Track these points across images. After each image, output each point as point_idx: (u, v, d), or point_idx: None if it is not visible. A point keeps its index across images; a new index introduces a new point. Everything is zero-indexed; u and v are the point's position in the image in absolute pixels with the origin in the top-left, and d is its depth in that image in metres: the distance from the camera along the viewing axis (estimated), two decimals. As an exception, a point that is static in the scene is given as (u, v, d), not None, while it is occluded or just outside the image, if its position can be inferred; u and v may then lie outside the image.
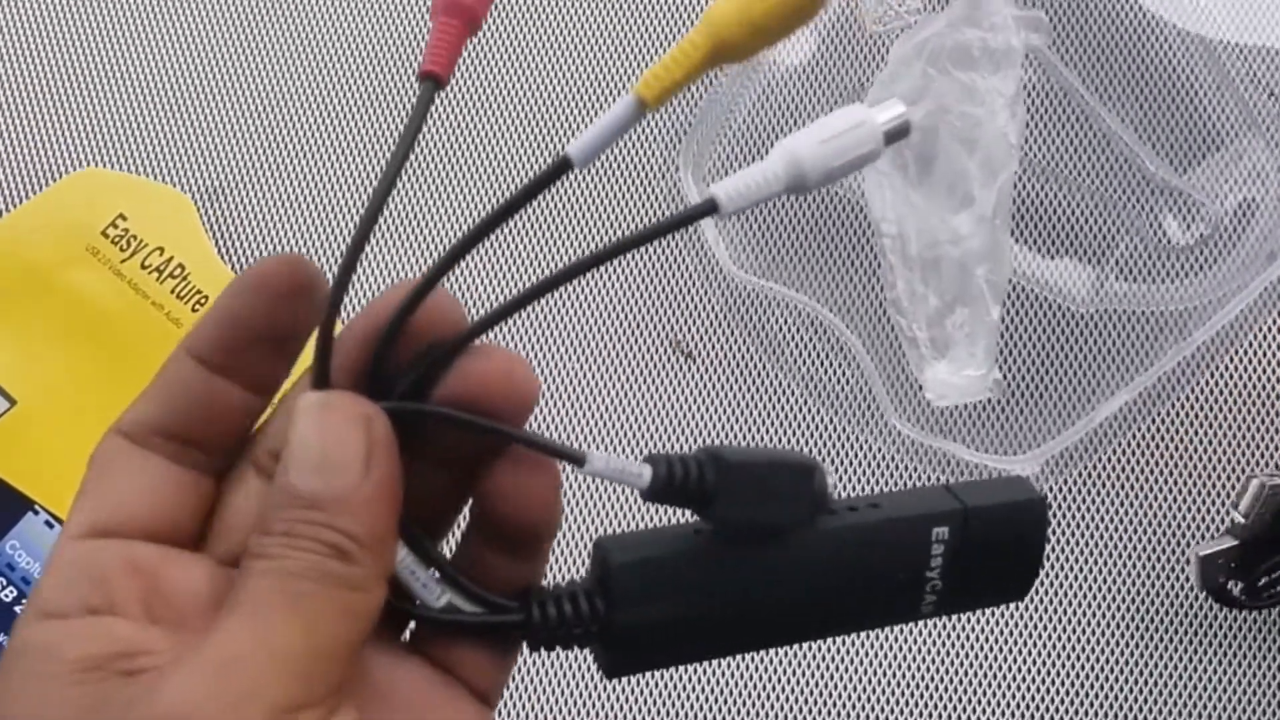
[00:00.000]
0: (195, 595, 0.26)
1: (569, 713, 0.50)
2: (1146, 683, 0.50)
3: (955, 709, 0.50)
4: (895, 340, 0.51)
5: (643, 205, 0.56)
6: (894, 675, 0.50)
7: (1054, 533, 0.51)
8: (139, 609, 0.25)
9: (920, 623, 0.50)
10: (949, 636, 0.50)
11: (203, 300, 0.52)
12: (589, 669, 0.50)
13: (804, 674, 0.50)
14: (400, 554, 0.26)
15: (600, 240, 0.55)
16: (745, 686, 0.50)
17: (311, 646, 0.24)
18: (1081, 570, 0.51)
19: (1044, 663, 0.50)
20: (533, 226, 0.55)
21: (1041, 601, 0.51)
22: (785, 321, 0.53)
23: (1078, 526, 0.51)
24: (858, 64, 0.56)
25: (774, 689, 0.50)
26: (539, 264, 0.54)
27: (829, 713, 0.50)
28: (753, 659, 0.50)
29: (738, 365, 0.53)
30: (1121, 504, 0.51)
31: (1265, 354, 0.53)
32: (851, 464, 0.52)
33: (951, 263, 0.50)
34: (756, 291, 0.53)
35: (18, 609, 0.48)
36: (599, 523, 0.51)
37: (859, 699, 0.50)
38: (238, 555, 0.25)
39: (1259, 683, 0.50)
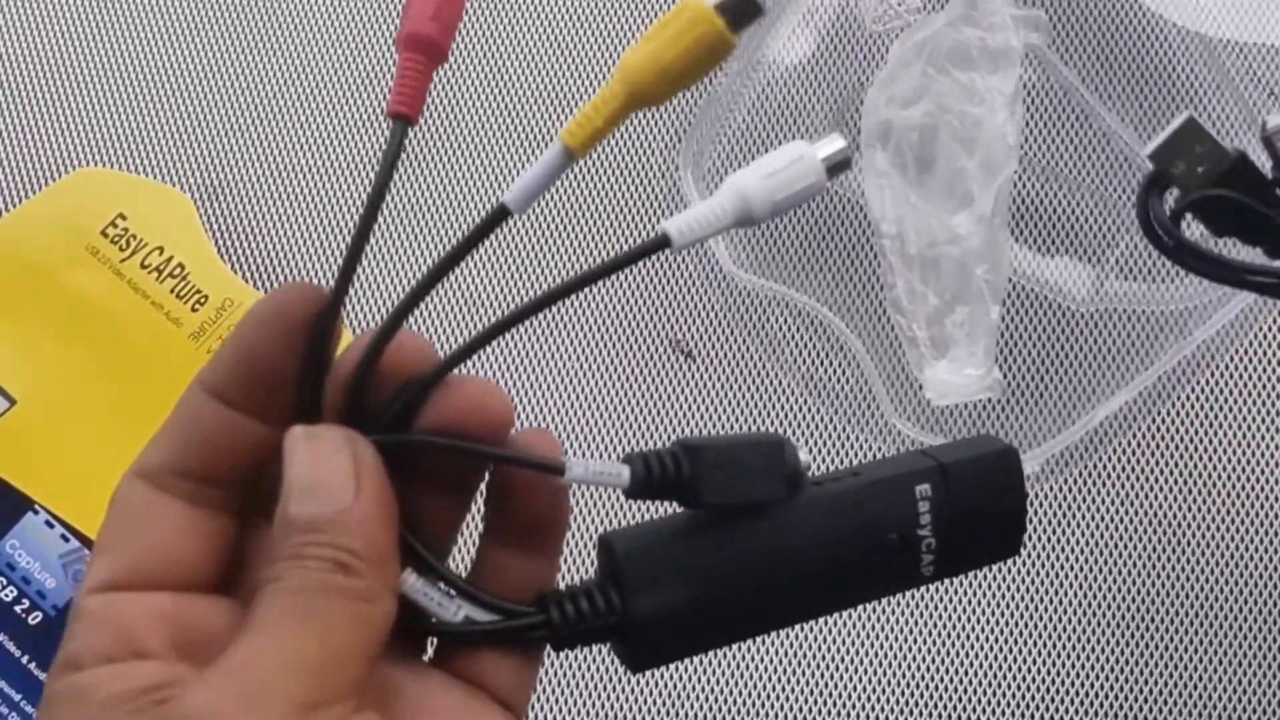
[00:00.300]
0: (223, 635, 0.26)
1: (571, 714, 0.50)
2: (1147, 682, 0.50)
3: (955, 708, 0.50)
4: (895, 340, 0.51)
5: (643, 205, 0.56)
6: (894, 675, 0.50)
7: (1054, 532, 0.51)
8: (168, 650, 0.26)
9: (920, 622, 0.50)
10: (949, 636, 0.50)
11: (202, 300, 0.52)
12: (591, 674, 0.50)
13: (804, 674, 0.50)
14: (410, 578, 0.27)
15: (599, 240, 0.55)
16: (745, 686, 0.50)
17: (325, 652, 0.24)
18: (1082, 570, 0.51)
19: (1044, 662, 0.50)
20: (532, 226, 0.55)
21: (1041, 601, 0.51)
22: (785, 321, 0.53)
23: (1078, 526, 0.51)
24: (857, 63, 0.56)
25: (774, 689, 0.50)
26: (539, 264, 0.54)
27: (829, 713, 0.50)
28: (753, 658, 0.50)
29: (738, 365, 0.53)
30: (1121, 504, 0.51)
31: (1265, 354, 0.53)
32: (851, 463, 0.52)
33: (951, 262, 0.50)
34: (756, 291, 0.53)
35: (17, 609, 0.48)
36: (604, 526, 0.52)
37: (859, 699, 0.50)
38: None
39: (1260, 683, 0.50)
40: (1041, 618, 0.50)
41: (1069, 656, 0.50)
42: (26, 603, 0.49)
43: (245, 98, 0.57)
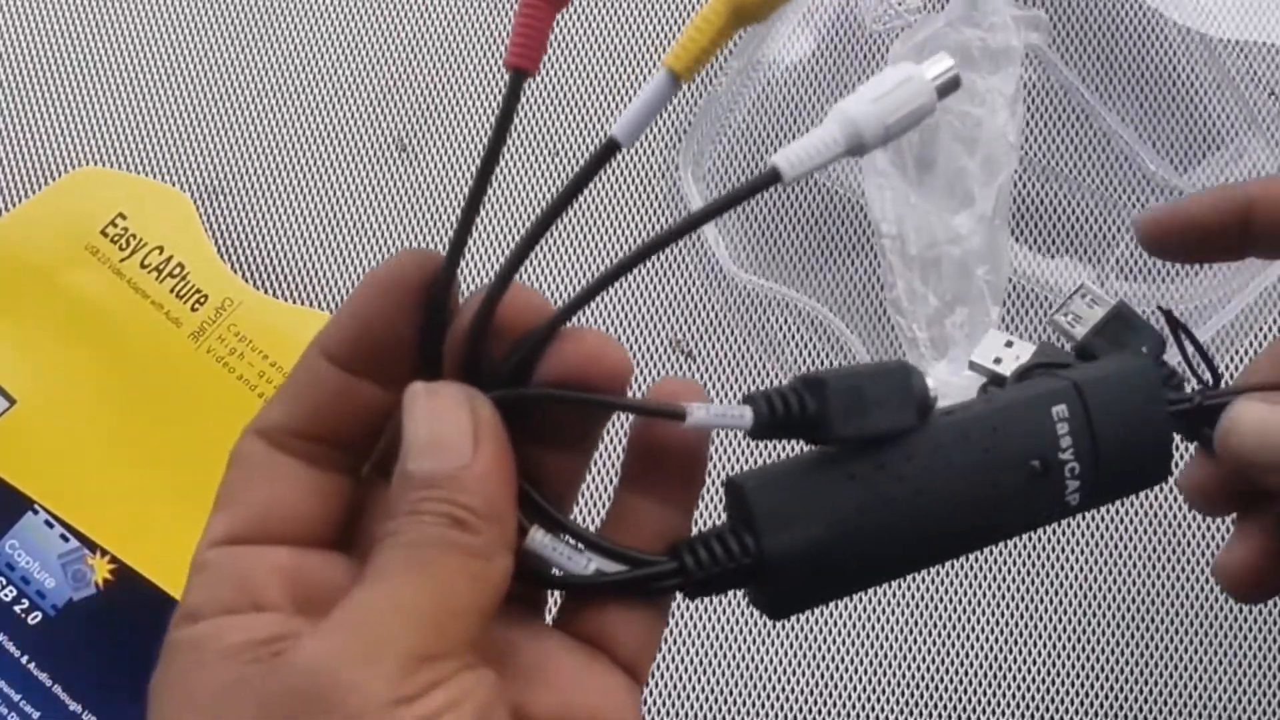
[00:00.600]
0: (340, 590, 0.26)
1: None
2: (1147, 682, 0.50)
3: (955, 709, 0.50)
4: (895, 340, 0.51)
5: (643, 205, 0.56)
6: (894, 675, 0.50)
7: (1055, 532, 0.51)
8: (287, 603, 0.26)
9: (920, 622, 0.50)
10: (949, 636, 0.50)
11: (202, 300, 0.52)
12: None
13: (804, 674, 0.50)
14: (537, 534, 0.27)
15: (599, 241, 0.55)
16: (746, 686, 0.50)
17: (440, 605, 0.24)
18: (1082, 570, 0.51)
19: (1045, 662, 0.50)
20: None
21: (1042, 601, 0.51)
22: (785, 321, 0.53)
23: (1078, 526, 0.51)
24: (857, 63, 0.56)
25: (774, 689, 0.50)
26: (539, 263, 0.54)
27: (829, 713, 0.50)
28: (753, 658, 0.50)
29: (738, 365, 0.53)
30: (1122, 504, 0.51)
31: (1265, 354, 0.53)
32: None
33: (951, 262, 0.50)
34: (756, 291, 0.53)
35: (17, 609, 0.48)
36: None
37: (859, 699, 0.50)
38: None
39: (1260, 683, 0.50)
40: (1041, 618, 0.50)
41: (1069, 656, 0.50)
42: (26, 603, 0.49)
43: (245, 97, 0.57)
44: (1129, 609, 0.50)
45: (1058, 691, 0.50)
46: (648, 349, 0.54)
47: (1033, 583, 0.51)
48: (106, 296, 0.52)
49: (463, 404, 0.26)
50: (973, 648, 0.50)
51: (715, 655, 0.50)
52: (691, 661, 0.50)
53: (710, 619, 0.50)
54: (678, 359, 0.54)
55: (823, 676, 0.50)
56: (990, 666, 0.50)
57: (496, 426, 0.26)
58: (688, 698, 0.50)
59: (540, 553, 0.27)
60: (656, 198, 0.56)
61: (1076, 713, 0.49)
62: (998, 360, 0.32)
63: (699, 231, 0.53)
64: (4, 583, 0.49)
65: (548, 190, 0.56)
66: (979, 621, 0.50)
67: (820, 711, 0.50)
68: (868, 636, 0.50)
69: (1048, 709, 0.50)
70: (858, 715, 0.50)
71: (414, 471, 0.25)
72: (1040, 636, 0.50)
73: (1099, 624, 0.50)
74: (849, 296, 0.54)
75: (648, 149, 0.56)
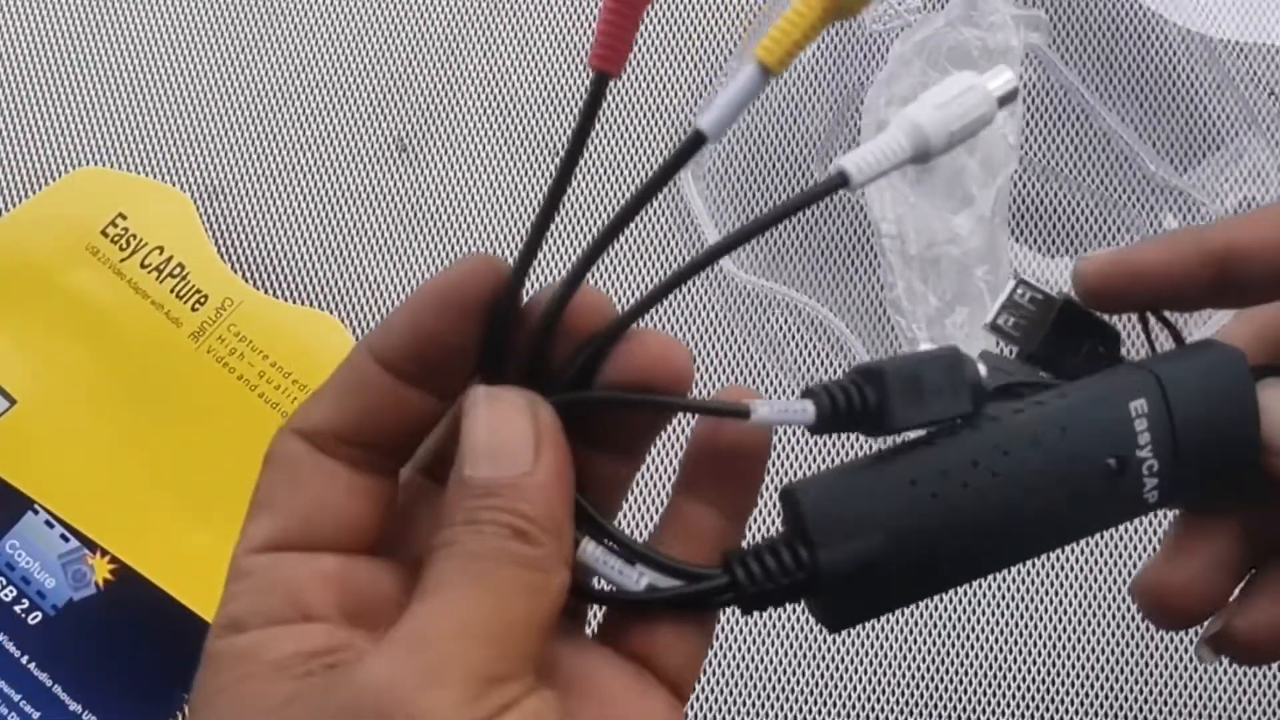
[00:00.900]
0: (388, 599, 0.26)
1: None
2: (1148, 682, 0.50)
3: (955, 708, 0.50)
4: (895, 340, 0.51)
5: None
6: (894, 675, 0.50)
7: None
8: (336, 613, 0.25)
9: (920, 622, 0.50)
10: (949, 636, 0.50)
11: (202, 300, 0.52)
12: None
13: (804, 674, 0.50)
14: (589, 547, 0.26)
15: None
16: (746, 686, 0.50)
17: (501, 620, 0.24)
18: (1082, 570, 0.51)
19: (1044, 662, 0.50)
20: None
21: (1041, 601, 0.51)
22: (785, 321, 0.53)
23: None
24: (857, 63, 0.56)
25: (774, 689, 0.50)
26: (540, 263, 0.54)
27: (829, 713, 0.50)
28: (753, 658, 0.50)
29: (738, 365, 0.53)
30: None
31: (1265, 354, 0.53)
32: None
33: (951, 262, 0.50)
34: (756, 291, 0.53)
35: (17, 609, 0.48)
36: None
37: (859, 699, 0.50)
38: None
39: (1261, 682, 0.50)
40: (1041, 618, 0.50)
41: (1069, 656, 0.50)
42: (26, 603, 0.49)
43: (245, 97, 0.57)
44: (1129, 609, 0.50)
45: (1058, 692, 0.50)
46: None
47: (1033, 583, 0.51)
48: (107, 296, 0.52)
49: (525, 409, 0.25)
50: (973, 648, 0.50)
51: (715, 655, 0.50)
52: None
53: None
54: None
55: (823, 676, 0.50)
56: (990, 666, 0.50)
57: (558, 433, 0.26)
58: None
59: (591, 565, 0.26)
60: (657, 198, 0.56)
61: (1078, 712, 0.49)
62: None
63: (699, 231, 0.53)
64: (4, 583, 0.49)
65: (547, 190, 0.56)
66: (979, 621, 0.50)
67: (821, 711, 0.50)
68: (868, 636, 0.50)
69: (1048, 709, 0.50)
70: (858, 715, 0.50)
71: (472, 478, 0.25)
72: (1040, 637, 0.50)
73: (1099, 624, 0.50)
74: (849, 296, 0.54)
75: (648, 149, 0.56)
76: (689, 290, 0.54)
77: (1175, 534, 0.31)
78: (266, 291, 0.54)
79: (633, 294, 0.54)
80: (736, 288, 0.53)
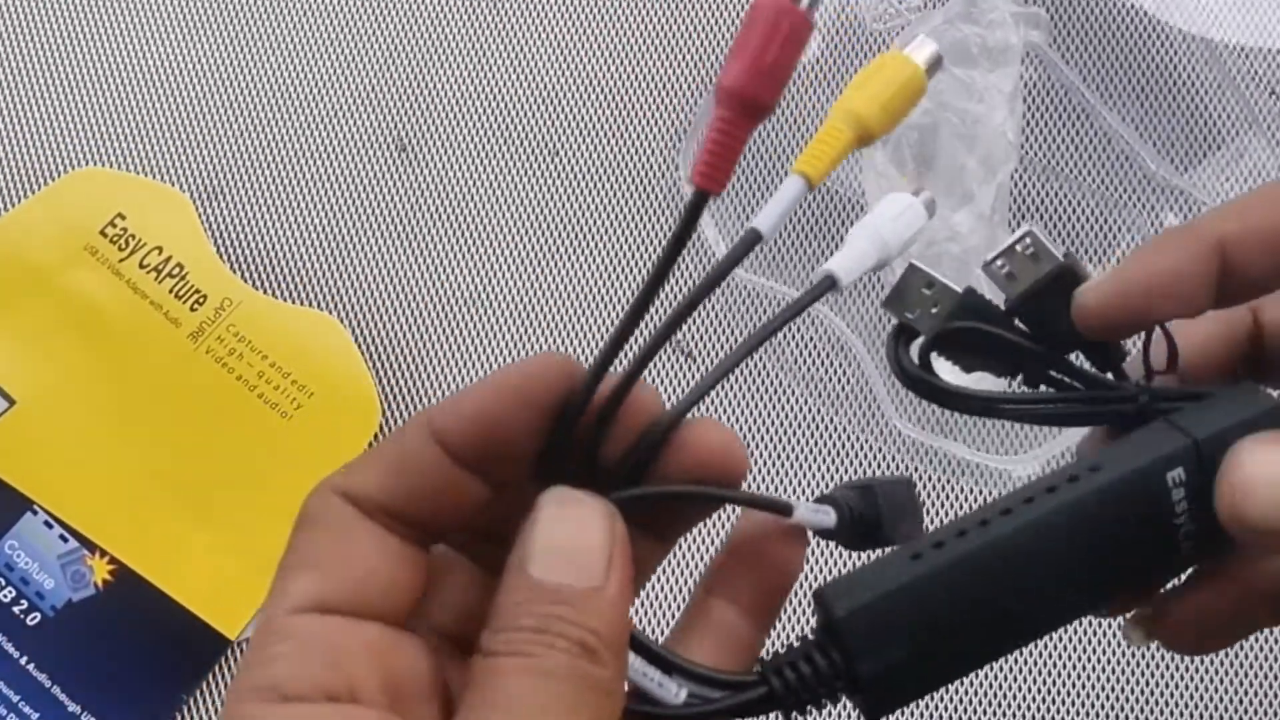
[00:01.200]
0: (423, 680, 0.25)
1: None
2: (1148, 682, 0.50)
3: (955, 708, 0.50)
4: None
5: (643, 205, 0.55)
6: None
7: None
8: (382, 697, 0.25)
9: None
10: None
11: (201, 300, 0.52)
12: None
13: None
14: (632, 659, 0.26)
15: (600, 239, 0.55)
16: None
17: None
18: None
19: (1045, 662, 0.50)
20: (533, 226, 0.55)
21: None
22: (785, 321, 0.53)
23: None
24: (858, 61, 0.56)
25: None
26: (541, 264, 0.54)
27: (829, 712, 0.49)
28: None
29: (738, 365, 0.53)
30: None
31: (1267, 353, 0.53)
32: (852, 464, 0.52)
33: (951, 260, 0.50)
34: (756, 291, 0.53)
35: (16, 609, 0.48)
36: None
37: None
38: (449, 632, 0.26)
39: (1263, 681, 0.49)
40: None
41: (1069, 655, 0.50)
42: (25, 603, 0.49)
43: (244, 98, 0.57)
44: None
45: (1059, 691, 0.50)
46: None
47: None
48: (106, 297, 0.52)
49: (603, 519, 0.25)
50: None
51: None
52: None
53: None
54: (678, 359, 0.53)
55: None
56: (990, 666, 0.50)
57: (627, 545, 0.25)
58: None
59: (633, 680, 0.26)
60: (656, 198, 0.56)
61: (1077, 713, 0.49)
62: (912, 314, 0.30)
63: (699, 231, 0.53)
64: (3, 583, 0.49)
65: (548, 189, 0.56)
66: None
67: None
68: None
69: (1048, 708, 0.49)
70: (858, 715, 0.49)
71: (544, 581, 0.24)
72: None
73: (1099, 624, 0.50)
74: (849, 296, 0.53)
75: (647, 149, 0.56)
76: (689, 290, 0.54)
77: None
78: (265, 291, 0.54)
79: (631, 293, 0.54)
80: (736, 288, 0.53)
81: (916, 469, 0.51)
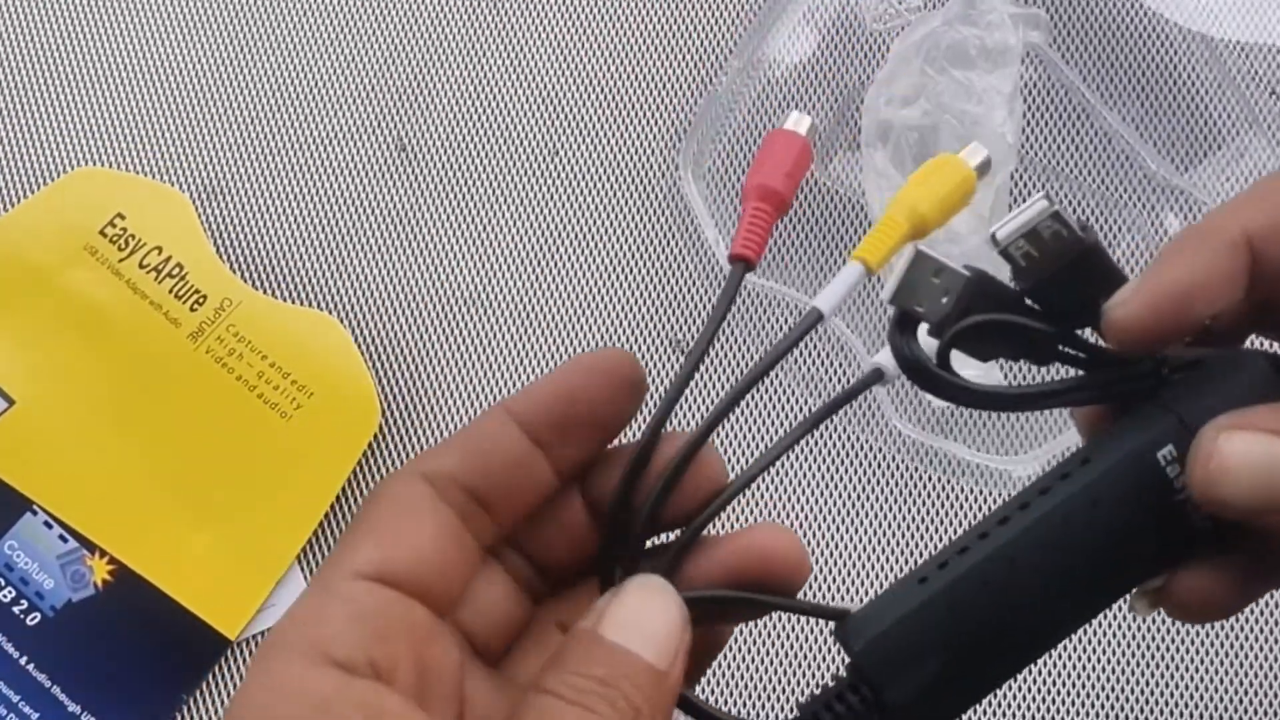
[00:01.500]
0: (446, 678, 0.26)
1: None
2: (1148, 682, 0.50)
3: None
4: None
5: (643, 205, 0.55)
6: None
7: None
8: (412, 682, 0.25)
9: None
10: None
11: (201, 300, 0.52)
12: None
13: (803, 673, 0.50)
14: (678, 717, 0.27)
15: (600, 240, 0.55)
16: (746, 685, 0.50)
17: None
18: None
19: (1045, 662, 0.50)
20: (534, 227, 0.55)
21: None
22: (785, 321, 0.53)
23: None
24: (857, 62, 0.56)
25: (775, 688, 0.50)
26: (541, 263, 0.54)
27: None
28: (753, 656, 0.50)
29: (738, 365, 0.53)
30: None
31: (1267, 353, 0.53)
32: (852, 464, 0.52)
33: (950, 261, 0.50)
34: (756, 291, 0.53)
35: (15, 609, 0.48)
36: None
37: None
38: (476, 633, 0.27)
39: (1263, 681, 0.49)
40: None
41: (1069, 656, 0.50)
42: (25, 603, 0.49)
43: (244, 97, 0.57)
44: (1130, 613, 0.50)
45: (1059, 691, 0.50)
46: (648, 349, 0.54)
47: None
48: (105, 297, 0.52)
49: (679, 614, 0.27)
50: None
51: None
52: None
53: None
54: (678, 359, 0.53)
55: (822, 676, 0.50)
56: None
57: (690, 643, 0.27)
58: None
59: None
60: (656, 198, 0.56)
61: (1077, 713, 0.49)
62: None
63: (699, 231, 0.53)
64: (3, 583, 0.49)
65: (548, 189, 0.56)
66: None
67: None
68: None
69: (1048, 708, 0.49)
70: None
71: (618, 646, 0.25)
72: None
73: (1099, 624, 0.50)
74: (849, 296, 0.53)
75: (647, 149, 0.56)
76: (690, 290, 0.54)
77: None
78: (265, 291, 0.54)
79: (631, 293, 0.54)
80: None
81: (916, 469, 0.51)
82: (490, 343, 0.54)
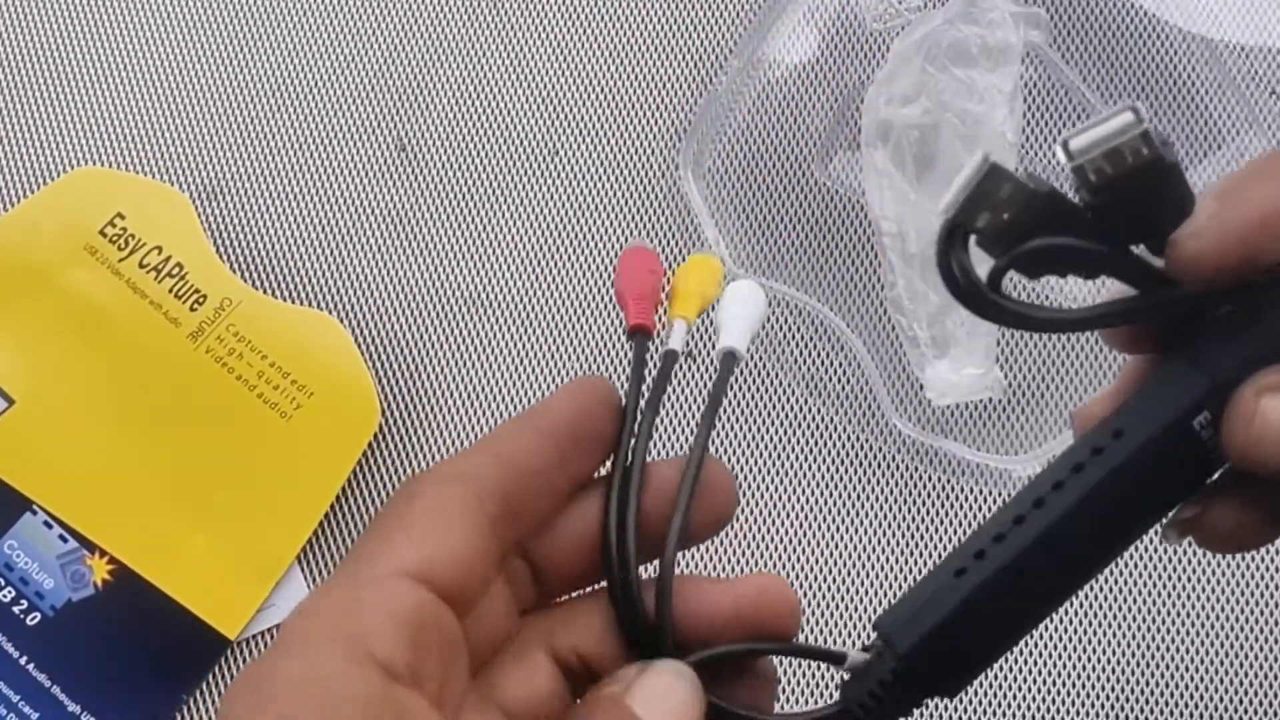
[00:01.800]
0: (458, 690, 0.26)
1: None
2: (1148, 682, 0.50)
3: (956, 708, 0.49)
4: (895, 339, 0.51)
5: (643, 205, 0.55)
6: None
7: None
8: (434, 691, 0.25)
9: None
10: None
11: (201, 300, 0.52)
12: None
13: (803, 674, 0.50)
14: None
15: (600, 240, 0.55)
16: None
17: None
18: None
19: (1045, 662, 0.50)
20: (533, 227, 0.55)
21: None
22: (785, 321, 0.53)
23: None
24: (857, 62, 0.56)
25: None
26: (541, 263, 0.54)
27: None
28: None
29: (738, 365, 0.53)
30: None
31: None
32: (852, 464, 0.52)
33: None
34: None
35: (15, 609, 0.48)
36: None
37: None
38: (474, 642, 0.28)
39: (1263, 681, 0.49)
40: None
41: (1069, 656, 0.50)
42: (25, 603, 0.49)
43: (244, 97, 0.57)
44: (1130, 610, 0.50)
45: (1059, 692, 0.50)
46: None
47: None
48: (105, 296, 0.52)
49: (698, 698, 0.28)
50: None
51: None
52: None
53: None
54: (678, 359, 0.53)
55: (821, 675, 0.50)
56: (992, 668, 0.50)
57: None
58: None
59: None
60: (656, 198, 0.56)
61: (1077, 713, 0.49)
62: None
63: (699, 231, 0.53)
64: (3, 583, 0.49)
65: (548, 189, 0.56)
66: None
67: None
68: (870, 635, 0.50)
69: (1048, 708, 0.49)
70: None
71: (641, 715, 0.27)
72: (1041, 636, 0.50)
73: (1100, 622, 0.50)
74: (849, 296, 0.53)
75: (647, 149, 0.56)
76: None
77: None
78: (265, 291, 0.54)
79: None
80: (736, 287, 0.53)
81: (916, 469, 0.51)
82: (490, 343, 0.54)
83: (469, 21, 0.58)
